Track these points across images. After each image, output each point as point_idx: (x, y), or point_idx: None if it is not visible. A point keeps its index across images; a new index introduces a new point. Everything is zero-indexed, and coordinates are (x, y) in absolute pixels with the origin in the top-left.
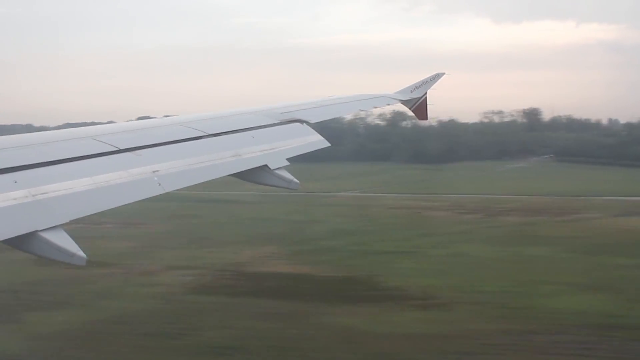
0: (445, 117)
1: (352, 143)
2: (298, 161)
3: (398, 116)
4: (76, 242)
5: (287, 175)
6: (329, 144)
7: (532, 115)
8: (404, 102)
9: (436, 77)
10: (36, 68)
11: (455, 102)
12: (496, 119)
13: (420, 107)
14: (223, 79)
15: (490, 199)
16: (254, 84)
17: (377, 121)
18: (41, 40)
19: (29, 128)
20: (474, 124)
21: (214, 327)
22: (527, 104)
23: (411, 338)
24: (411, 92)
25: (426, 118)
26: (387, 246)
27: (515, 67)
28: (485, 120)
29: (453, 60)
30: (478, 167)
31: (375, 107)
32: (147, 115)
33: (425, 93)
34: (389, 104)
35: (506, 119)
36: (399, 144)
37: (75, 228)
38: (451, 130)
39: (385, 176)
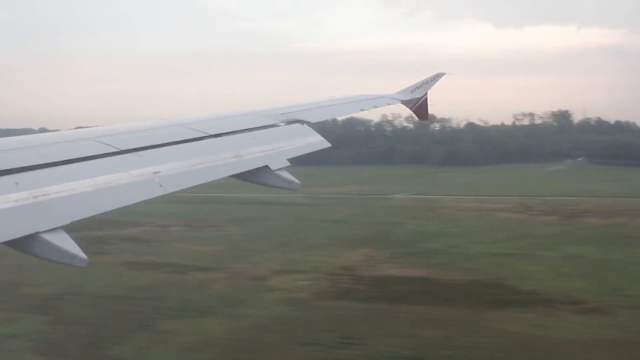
0: (475, 120)
1: (382, 146)
2: (327, 164)
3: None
4: (155, 245)
5: (288, 175)
6: (330, 145)
7: (562, 117)
8: (405, 102)
9: (436, 77)
10: (41, 72)
11: (462, 105)
12: (526, 121)
13: (420, 107)
14: (225, 83)
15: (552, 201)
16: (256, 88)
17: (405, 123)
18: (43, 45)
19: (42, 132)
20: (505, 126)
21: (373, 335)
22: (527, 108)
23: (602, 346)
24: (412, 92)
25: (427, 118)
26: (488, 248)
27: (517, 71)
28: (507, 122)
29: (454, 64)
30: (516, 169)
31: (376, 107)
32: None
33: (426, 93)
34: (389, 104)
35: (533, 121)
36: (430, 147)
37: (141, 231)
38: (482, 132)
39: (426, 178)
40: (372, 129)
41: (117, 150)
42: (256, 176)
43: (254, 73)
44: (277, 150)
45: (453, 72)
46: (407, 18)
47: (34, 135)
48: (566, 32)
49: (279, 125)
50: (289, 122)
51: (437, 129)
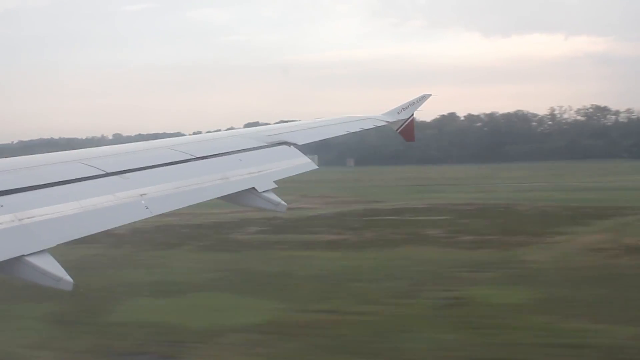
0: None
1: (558, 140)
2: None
3: (598, 110)
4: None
5: (275, 197)
6: (317, 167)
7: None
8: (391, 124)
9: (422, 98)
10: (29, 87)
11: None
12: None
13: (407, 129)
14: (215, 96)
15: None
16: (246, 100)
17: (576, 116)
18: (30, 60)
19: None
20: None
21: None
22: None
23: None
24: (398, 113)
25: (413, 139)
26: None
27: (505, 80)
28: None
29: (443, 74)
30: None
31: (362, 129)
32: (181, 131)
33: (412, 114)
34: (376, 126)
35: None
36: (617, 139)
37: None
38: None
39: None
40: (534, 123)
41: (103, 172)
42: (243, 198)
43: (244, 86)
44: (263, 172)
45: (442, 82)
46: (396, 29)
47: (18, 157)
48: (554, 40)
49: (266, 147)
50: (276, 144)
51: (611, 120)
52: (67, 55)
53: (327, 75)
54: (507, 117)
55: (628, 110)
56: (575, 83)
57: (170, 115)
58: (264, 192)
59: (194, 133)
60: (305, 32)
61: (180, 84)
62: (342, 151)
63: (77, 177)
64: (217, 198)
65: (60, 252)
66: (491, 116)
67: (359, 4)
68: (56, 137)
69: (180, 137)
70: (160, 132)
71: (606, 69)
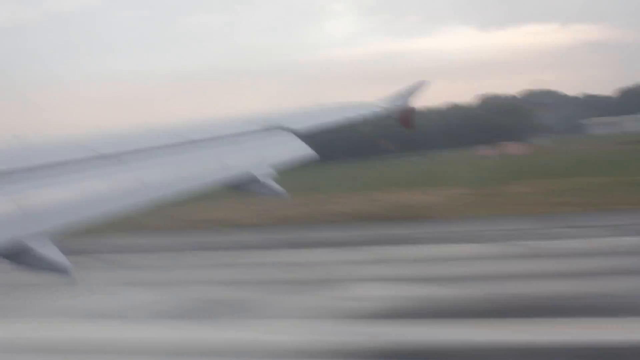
0: None
1: None
2: None
3: None
4: None
5: (273, 183)
6: (314, 152)
7: None
8: (389, 110)
9: (420, 84)
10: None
11: None
12: None
13: (405, 115)
14: (213, 100)
15: None
16: (244, 104)
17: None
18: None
19: None
20: None
21: None
22: None
23: None
24: (396, 100)
25: (409, 126)
26: None
27: (504, 72)
28: None
29: (440, 69)
30: None
31: (361, 115)
32: None
33: (410, 101)
34: (374, 112)
35: None
36: None
37: None
38: None
39: None
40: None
41: (99, 155)
42: (242, 184)
43: (240, 89)
44: (261, 158)
45: (439, 77)
46: (390, 25)
47: (14, 139)
48: (550, 30)
49: (264, 132)
50: (274, 129)
51: None
52: (61, 66)
53: (324, 74)
54: None
55: None
56: (575, 71)
57: (167, 121)
58: (262, 178)
59: None
60: (299, 32)
61: (177, 89)
62: None
63: (74, 158)
64: (215, 184)
65: None
66: None
67: (352, 2)
68: None
69: (178, 120)
70: None
71: (603, 56)
